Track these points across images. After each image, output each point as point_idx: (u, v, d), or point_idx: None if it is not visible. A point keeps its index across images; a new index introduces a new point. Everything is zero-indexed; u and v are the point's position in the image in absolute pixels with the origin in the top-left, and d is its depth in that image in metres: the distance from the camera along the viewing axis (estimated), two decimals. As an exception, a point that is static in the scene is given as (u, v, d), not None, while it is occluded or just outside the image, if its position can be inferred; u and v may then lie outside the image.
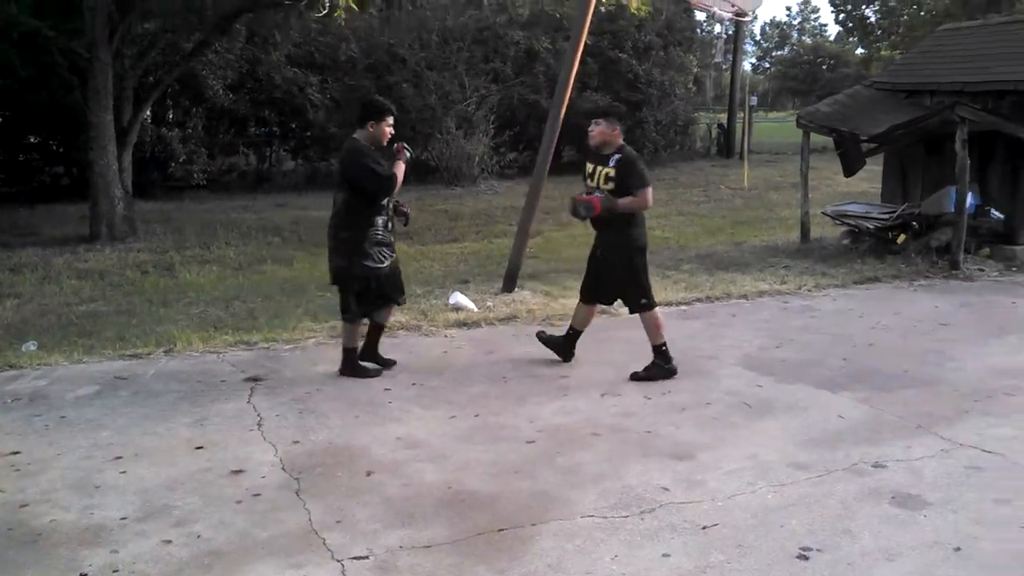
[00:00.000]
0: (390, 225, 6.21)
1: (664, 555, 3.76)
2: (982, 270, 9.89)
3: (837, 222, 11.43)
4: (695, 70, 29.17)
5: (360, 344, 6.40)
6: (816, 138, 13.09)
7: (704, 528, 3.98)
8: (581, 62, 8.97)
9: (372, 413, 5.55)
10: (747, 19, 6.92)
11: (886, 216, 10.73)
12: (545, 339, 6.70)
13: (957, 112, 9.57)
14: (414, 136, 20.78)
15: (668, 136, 25.75)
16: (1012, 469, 4.65)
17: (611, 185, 6.06)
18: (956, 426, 5.27)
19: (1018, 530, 3.98)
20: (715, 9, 6.64)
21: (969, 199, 9.96)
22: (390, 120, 6.10)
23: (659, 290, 8.83)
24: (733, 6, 6.69)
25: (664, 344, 6.24)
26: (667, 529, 3.98)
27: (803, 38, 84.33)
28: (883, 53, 32.91)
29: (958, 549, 3.80)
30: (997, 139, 10.25)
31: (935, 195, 10.64)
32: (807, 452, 4.88)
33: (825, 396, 5.85)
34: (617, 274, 6.24)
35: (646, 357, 6.27)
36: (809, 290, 9.07)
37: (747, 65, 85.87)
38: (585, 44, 8.83)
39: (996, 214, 10.48)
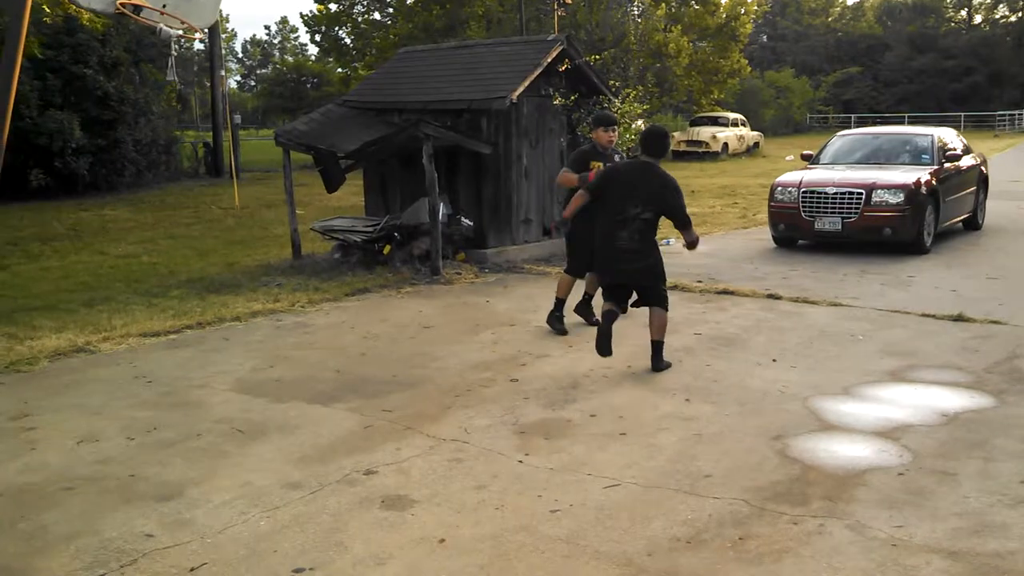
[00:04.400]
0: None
1: (148, 610, 3.46)
2: (459, 273, 10.72)
3: (326, 237, 11.67)
4: (178, 87, 28.18)
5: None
6: (304, 156, 13.29)
7: (192, 570, 3.74)
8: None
9: None
10: (197, 37, 6.69)
11: (370, 228, 11.18)
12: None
13: (421, 129, 10.29)
14: None
15: (151, 156, 24.47)
16: (488, 456, 5.03)
17: None
18: (440, 422, 5.59)
19: (493, 511, 4.31)
20: (161, 26, 6.29)
21: (442, 209, 10.76)
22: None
23: (144, 319, 8.32)
24: (182, 23, 6.40)
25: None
26: (151, 580, 3.68)
27: (285, 57, 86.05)
28: (361, 72, 34.49)
29: (442, 540, 4.00)
30: (460, 153, 11.22)
31: (412, 206, 11.32)
32: (301, 470, 4.84)
33: (318, 411, 5.87)
34: None
35: (130, 398, 5.76)
36: (303, 306, 9.10)
37: (233, 83, 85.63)
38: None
39: (466, 221, 11.45)
